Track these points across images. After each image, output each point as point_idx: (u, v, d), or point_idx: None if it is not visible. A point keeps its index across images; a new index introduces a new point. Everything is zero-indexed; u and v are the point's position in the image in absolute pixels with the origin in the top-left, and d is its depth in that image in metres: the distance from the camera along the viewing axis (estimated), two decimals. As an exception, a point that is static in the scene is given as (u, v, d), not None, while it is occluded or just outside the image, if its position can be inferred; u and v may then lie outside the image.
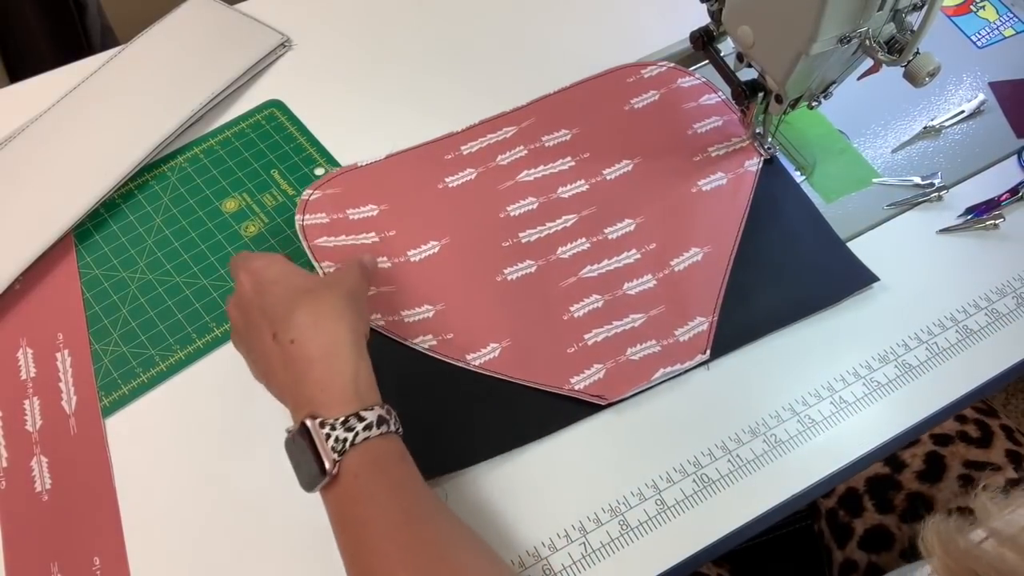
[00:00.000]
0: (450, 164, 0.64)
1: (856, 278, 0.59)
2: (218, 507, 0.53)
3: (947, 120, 0.67)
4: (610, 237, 0.60)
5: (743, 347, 0.57)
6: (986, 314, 0.59)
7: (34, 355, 0.58)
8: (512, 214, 0.62)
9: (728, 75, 0.61)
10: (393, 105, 0.69)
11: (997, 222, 0.61)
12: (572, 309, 0.58)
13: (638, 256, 0.60)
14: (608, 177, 0.63)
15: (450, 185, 0.63)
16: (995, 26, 0.73)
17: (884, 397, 0.56)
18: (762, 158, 0.63)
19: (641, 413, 0.55)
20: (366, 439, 0.44)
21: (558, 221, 0.61)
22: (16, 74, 1.03)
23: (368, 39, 0.73)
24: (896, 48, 0.51)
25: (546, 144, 0.65)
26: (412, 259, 0.60)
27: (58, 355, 0.58)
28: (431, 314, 0.58)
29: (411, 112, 0.68)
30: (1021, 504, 0.38)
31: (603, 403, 0.55)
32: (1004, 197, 0.63)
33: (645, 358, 0.56)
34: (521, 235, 0.61)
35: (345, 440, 0.43)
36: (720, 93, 0.66)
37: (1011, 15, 0.74)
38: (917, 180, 0.64)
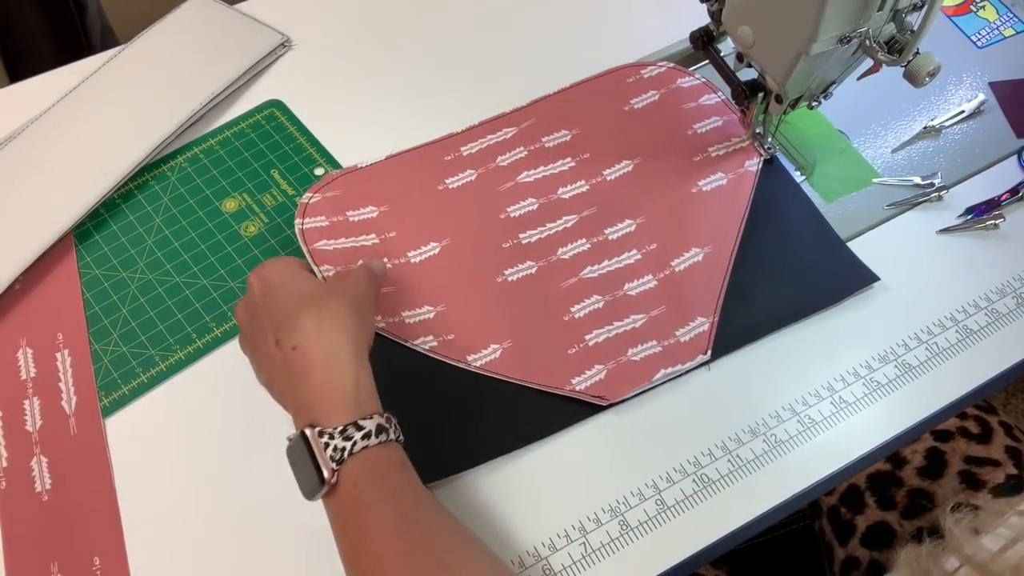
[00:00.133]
0: (450, 165, 0.64)
1: (856, 278, 0.59)
2: (218, 507, 0.53)
3: (947, 120, 0.67)
4: (610, 238, 0.60)
5: (743, 347, 0.57)
6: (986, 314, 0.59)
7: (34, 355, 0.58)
8: (512, 215, 0.62)
9: (728, 75, 0.61)
10: (393, 105, 0.69)
11: (997, 222, 0.61)
12: (573, 310, 0.58)
13: (639, 256, 0.60)
14: (608, 178, 0.63)
15: (450, 186, 0.63)
16: (995, 26, 0.73)
17: (884, 397, 0.56)
18: (762, 158, 0.63)
19: (641, 413, 0.55)
20: (364, 448, 0.44)
21: (558, 222, 0.61)
22: (16, 74, 1.03)
23: (368, 39, 0.73)
24: (896, 48, 0.51)
25: (546, 145, 0.65)
26: (412, 260, 0.60)
27: (58, 355, 0.58)
28: (432, 315, 0.58)
29: (411, 112, 0.68)
30: (990, 526, 0.38)
31: (604, 404, 0.55)
32: (1004, 197, 0.63)
33: (646, 359, 0.56)
34: (521, 236, 0.61)
35: (343, 449, 0.44)
36: (720, 93, 0.66)
37: (1011, 15, 0.74)
38: (917, 180, 0.64)
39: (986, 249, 0.61)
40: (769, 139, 0.63)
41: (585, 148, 0.64)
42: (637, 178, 0.63)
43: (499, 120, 0.66)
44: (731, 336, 0.57)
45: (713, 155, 0.64)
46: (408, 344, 0.56)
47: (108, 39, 1.11)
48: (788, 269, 0.59)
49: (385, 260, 0.59)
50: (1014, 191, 0.63)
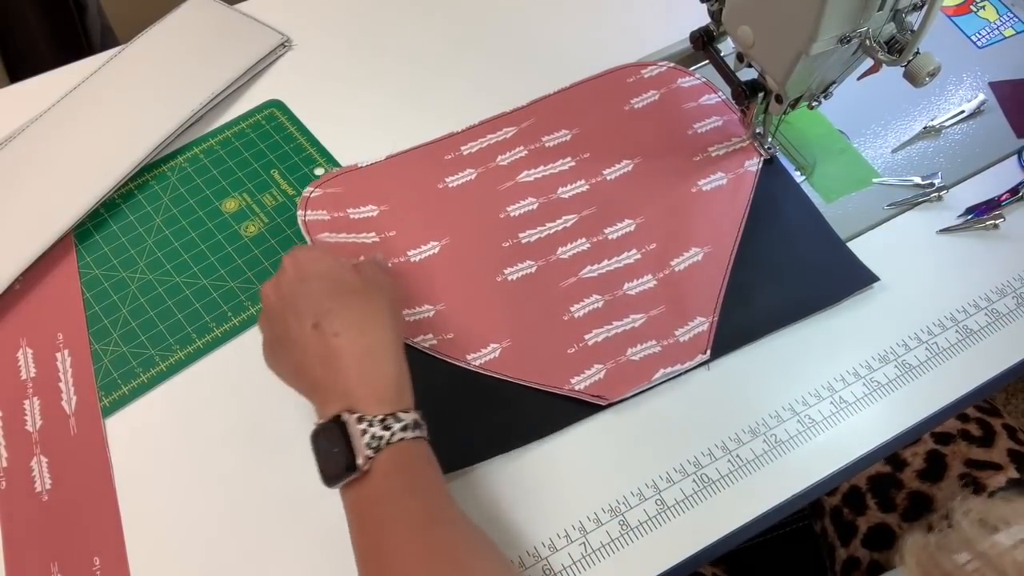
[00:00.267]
0: (450, 164, 0.64)
1: (856, 278, 0.59)
2: (218, 506, 0.53)
3: (947, 120, 0.67)
4: (610, 237, 0.60)
5: (743, 347, 0.57)
6: (986, 314, 0.59)
7: (34, 355, 0.58)
8: (512, 214, 0.62)
9: (728, 75, 0.61)
10: (393, 105, 0.69)
11: (997, 222, 0.61)
12: (572, 309, 0.58)
13: (638, 256, 0.60)
14: (608, 177, 0.63)
15: (450, 185, 0.63)
16: (995, 26, 0.73)
17: (884, 397, 0.55)
18: (762, 158, 0.63)
19: (641, 413, 0.55)
20: (401, 440, 0.44)
21: (558, 221, 0.61)
22: (16, 74, 1.03)
23: (368, 39, 0.73)
24: (896, 48, 0.51)
25: (546, 144, 0.65)
26: (412, 259, 0.60)
27: (58, 355, 0.58)
28: (431, 314, 0.58)
29: (411, 112, 0.68)
30: (999, 520, 0.38)
31: (603, 403, 0.55)
32: (1004, 197, 0.63)
33: (645, 358, 0.56)
34: (521, 235, 0.61)
35: (381, 438, 0.44)
36: (720, 93, 0.66)
37: (1011, 15, 0.74)
38: (917, 180, 0.64)
39: (986, 249, 0.61)
40: (769, 139, 0.63)
41: (585, 148, 0.64)
42: (637, 178, 0.63)
43: (499, 120, 0.66)
44: (730, 336, 0.57)
45: (713, 155, 0.64)
46: (408, 342, 0.56)
47: (108, 39, 1.11)
48: (788, 269, 0.59)
49: (380, 255, 0.59)
50: (1014, 191, 0.63)
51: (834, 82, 0.57)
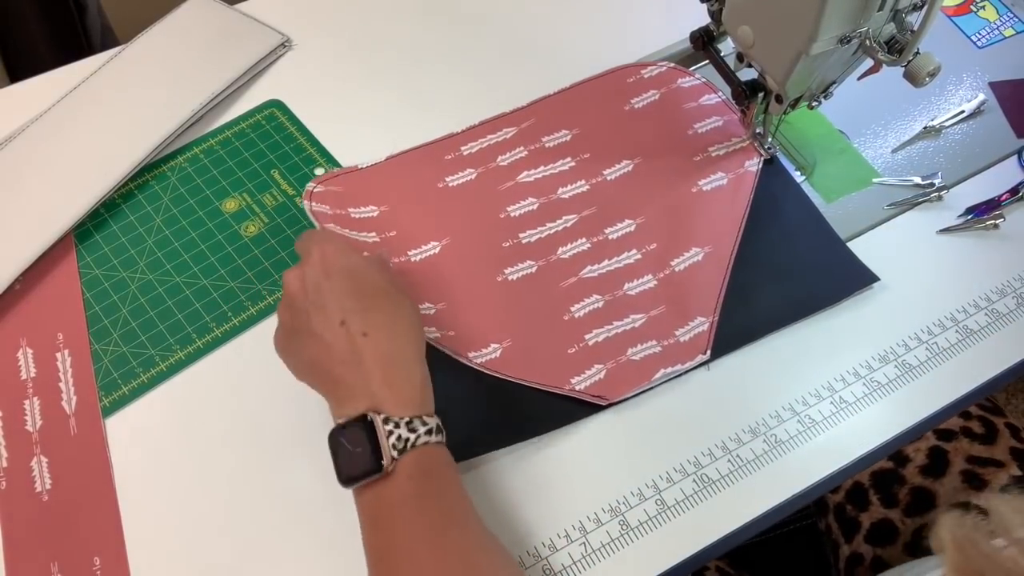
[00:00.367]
0: (450, 164, 0.64)
1: (857, 278, 0.59)
2: (218, 506, 0.53)
3: (947, 120, 0.67)
4: (610, 237, 0.60)
5: (743, 347, 0.57)
6: (986, 314, 0.59)
7: (34, 355, 0.58)
8: (512, 215, 0.62)
9: (728, 75, 0.61)
10: (393, 105, 0.69)
11: (997, 222, 0.61)
12: (573, 309, 0.58)
13: (638, 256, 0.60)
14: (608, 177, 0.63)
15: (450, 184, 0.63)
16: (995, 26, 0.73)
17: (884, 397, 0.55)
18: (762, 158, 0.63)
19: (641, 413, 0.55)
20: (426, 443, 0.44)
21: (558, 221, 0.61)
22: (16, 74, 1.03)
23: (368, 39, 0.73)
24: (896, 48, 0.51)
25: (546, 145, 0.65)
26: (413, 259, 0.60)
27: (58, 355, 0.58)
28: (432, 312, 0.58)
29: (411, 111, 0.68)
30: None
31: (603, 403, 0.55)
32: (1004, 197, 0.63)
33: (646, 358, 0.56)
34: (521, 235, 0.61)
35: (407, 440, 0.44)
36: (720, 93, 0.66)
37: (1011, 15, 0.74)
38: (917, 180, 0.64)
39: (986, 249, 0.61)
40: (769, 139, 0.63)
41: (585, 148, 0.64)
42: (637, 178, 0.63)
43: (499, 120, 0.66)
44: (731, 336, 0.57)
45: (713, 155, 0.64)
46: None
47: (108, 39, 1.11)
48: (788, 269, 0.59)
49: (385, 252, 0.59)
50: (1014, 191, 0.63)
51: (834, 82, 0.57)
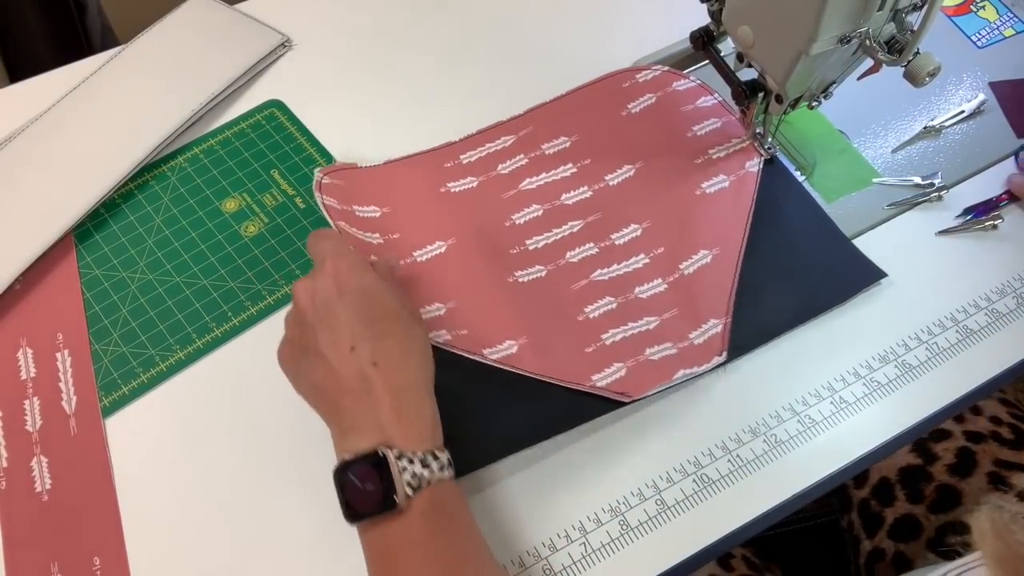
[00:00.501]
0: (450, 172, 0.64)
1: (865, 274, 0.59)
2: (218, 507, 0.53)
3: (947, 120, 0.67)
4: (617, 243, 0.60)
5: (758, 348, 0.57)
6: (986, 314, 0.59)
7: (34, 355, 0.58)
8: (518, 222, 0.61)
9: (728, 75, 0.61)
10: (393, 104, 0.69)
11: (996, 223, 0.61)
12: (587, 310, 0.57)
13: (647, 261, 0.59)
14: (611, 183, 0.63)
15: (452, 190, 0.63)
16: (995, 26, 0.73)
17: (884, 397, 0.56)
18: (762, 158, 0.63)
19: (641, 413, 0.55)
20: (440, 480, 0.43)
21: (564, 227, 0.61)
22: (16, 74, 1.03)
23: (368, 39, 0.73)
24: (896, 48, 0.51)
25: (546, 152, 0.64)
26: (419, 259, 0.59)
27: (58, 355, 0.58)
28: (442, 311, 0.57)
29: (412, 111, 0.68)
30: None
31: (627, 400, 0.54)
32: (1003, 198, 0.63)
33: (664, 359, 0.55)
34: (528, 242, 0.60)
35: (421, 477, 0.42)
36: (716, 95, 0.66)
37: (1011, 15, 0.74)
38: (917, 180, 0.64)
39: (986, 249, 0.61)
40: (769, 139, 0.63)
41: (585, 154, 0.64)
42: (640, 182, 0.63)
43: (496, 129, 0.66)
44: (746, 337, 0.56)
45: (714, 157, 0.63)
46: None
47: (108, 39, 1.11)
48: (796, 268, 0.59)
49: (394, 258, 0.58)
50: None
51: (834, 82, 0.57)
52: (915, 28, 0.50)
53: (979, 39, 0.72)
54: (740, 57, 0.60)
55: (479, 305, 0.57)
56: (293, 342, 0.48)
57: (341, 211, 0.60)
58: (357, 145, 0.66)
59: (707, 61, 0.64)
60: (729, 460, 0.53)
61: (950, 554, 0.48)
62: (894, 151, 0.66)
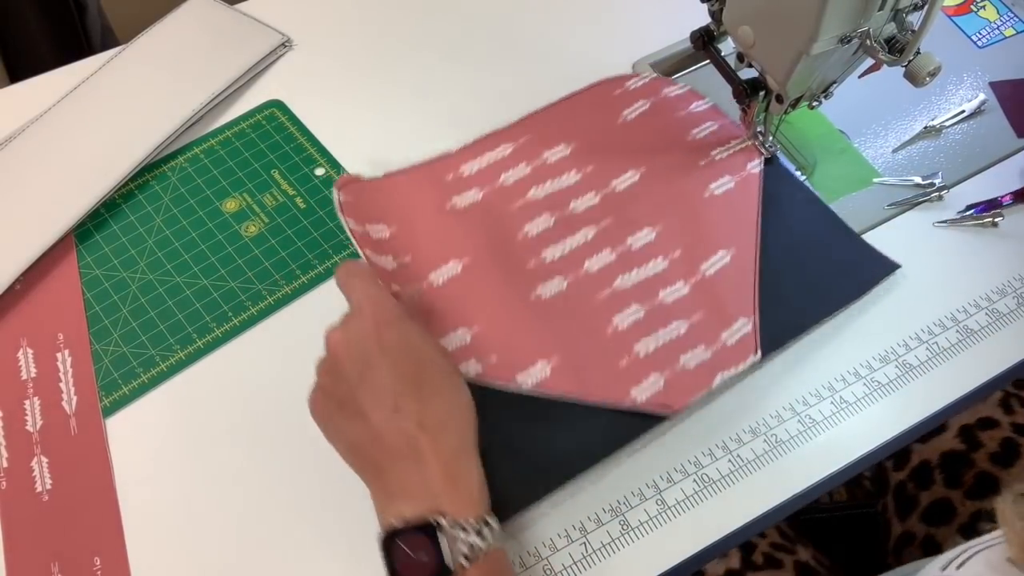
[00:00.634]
0: (452, 185, 0.62)
1: (879, 267, 0.59)
2: (218, 506, 0.53)
3: (947, 120, 0.67)
4: (633, 248, 0.59)
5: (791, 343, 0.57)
6: (986, 314, 0.59)
7: (34, 355, 0.58)
8: (530, 234, 0.59)
9: (729, 74, 0.60)
10: (393, 104, 0.69)
11: (996, 220, 0.61)
12: (615, 321, 0.55)
13: (665, 264, 0.58)
14: (617, 188, 0.61)
15: (458, 206, 0.60)
16: (995, 26, 0.73)
17: (884, 397, 0.55)
18: (763, 157, 0.63)
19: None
20: (495, 548, 0.42)
21: (578, 235, 0.59)
22: (16, 74, 1.03)
23: (368, 39, 0.73)
24: (896, 48, 0.51)
25: (548, 160, 0.63)
26: (435, 283, 0.56)
27: (58, 355, 0.58)
28: (468, 338, 0.54)
29: (412, 111, 0.68)
30: None
31: (670, 412, 0.53)
32: (1006, 199, 0.62)
33: (700, 365, 0.54)
34: (544, 254, 0.58)
35: (476, 547, 0.41)
36: (707, 99, 0.66)
37: (1011, 15, 0.74)
38: (918, 180, 0.64)
39: (986, 249, 0.61)
40: (770, 138, 0.63)
41: (587, 161, 0.63)
42: (646, 186, 0.62)
43: (495, 136, 0.64)
44: (775, 334, 0.56)
45: (716, 158, 0.63)
46: None
47: (108, 39, 1.11)
48: (811, 264, 0.58)
49: (400, 286, 0.56)
50: (1019, 194, 0.62)
51: (835, 82, 0.57)
52: (915, 28, 0.50)
53: (979, 39, 0.72)
54: (740, 57, 0.60)
55: (505, 326, 0.55)
56: (327, 392, 0.46)
57: (362, 235, 0.58)
58: (357, 145, 0.66)
59: (707, 61, 0.64)
60: (730, 460, 0.53)
61: None
62: (894, 151, 0.66)
